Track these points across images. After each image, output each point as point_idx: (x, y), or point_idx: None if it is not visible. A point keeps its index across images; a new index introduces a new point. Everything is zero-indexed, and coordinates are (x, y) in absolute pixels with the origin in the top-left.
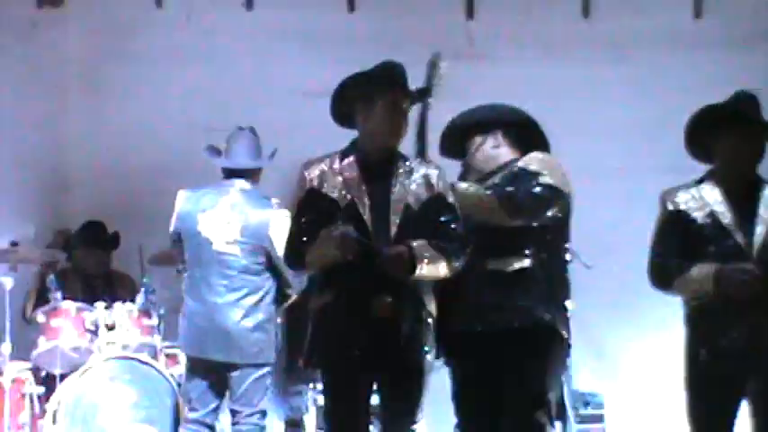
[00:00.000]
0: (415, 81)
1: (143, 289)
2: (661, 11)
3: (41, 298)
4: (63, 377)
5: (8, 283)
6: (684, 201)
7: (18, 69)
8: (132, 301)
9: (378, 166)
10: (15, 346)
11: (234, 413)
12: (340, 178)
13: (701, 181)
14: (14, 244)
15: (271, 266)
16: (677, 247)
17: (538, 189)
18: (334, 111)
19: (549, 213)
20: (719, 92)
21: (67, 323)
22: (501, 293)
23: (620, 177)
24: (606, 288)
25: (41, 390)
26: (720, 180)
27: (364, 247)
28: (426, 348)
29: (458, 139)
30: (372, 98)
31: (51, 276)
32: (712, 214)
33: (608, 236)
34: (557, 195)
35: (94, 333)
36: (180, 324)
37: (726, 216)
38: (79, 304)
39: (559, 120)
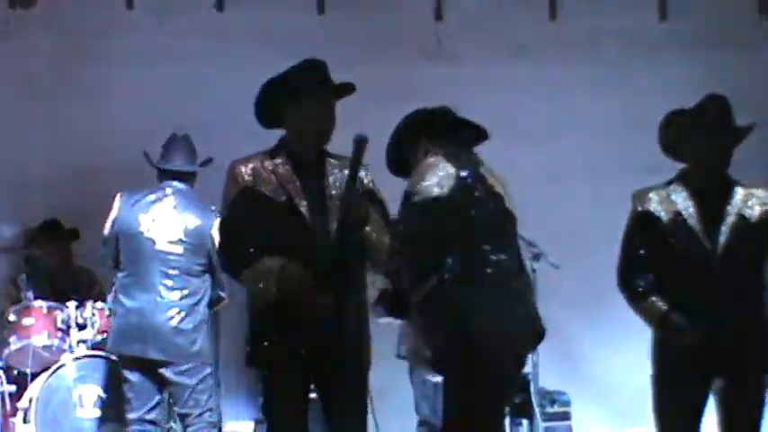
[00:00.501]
0: (380, 80)
1: (114, 288)
2: (627, 13)
3: (15, 298)
4: (34, 376)
5: None
6: (654, 202)
7: None
8: (102, 299)
9: (309, 162)
10: None
11: (184, 417)
12: (274, 176)
13: (671, 182)
14: None
15: (210, 269)
16: (645, 248)
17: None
18: (260, 112)
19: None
20: (684, 93)
21: (39, 322)
22: None
23: (588, 177)
24: (573, 288)
25: (13, 388)
26: (690, 181)
27: (305, 288)
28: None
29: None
30: (300, 97)
31: (23, 276)
32: (680, 215)
33: (576, 236)
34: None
35: (66, 332)
36: (112, 325)
37: (692, 218)
38: (51, 303)
39: (527, 120)
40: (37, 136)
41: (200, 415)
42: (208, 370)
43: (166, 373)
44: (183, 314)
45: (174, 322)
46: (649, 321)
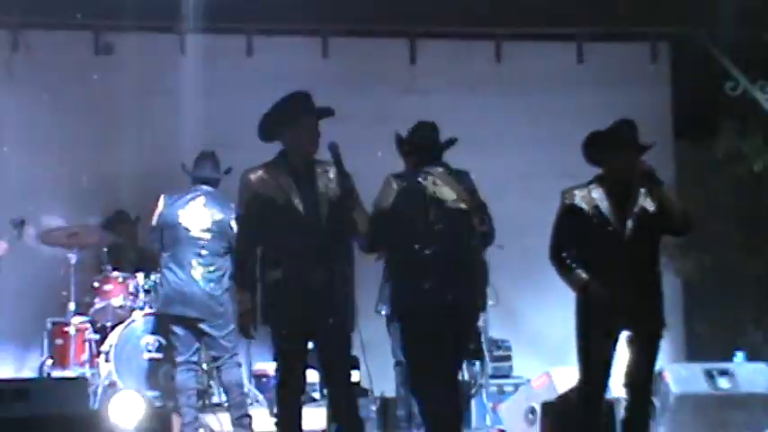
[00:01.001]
0: (369, 107)
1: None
2: (551, 57)
3: (99, 270)
4: (112, 327)
5: (72, 258)
6: (578, 197)
7: (77, 100)
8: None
9: (302, 168)
10: (78, 304)
11: (216, 359)
12: (275, 181)
13: (590, 182)
14: (77, 229)
15: (231, 250)
16: (570, 232)
17: None
18: (262, 130)
19: None
20: (596, 118)
21: (116, 288)
22: None
23: (526, 181)
24: (514, 262)
25: (97, 336)
26: (605, 182)
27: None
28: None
29: None
30: (292, 119)
31: (104, 253)
32: (597, 207)
33: (516, 224)
34: None
35: (136, 295)
36: (159, 292)
37: (606, 209)
38: (124, 273)
39: (478, 139)
40: (112, 150)
41: (230, 357)
42: (231, 326)
43: (202, 327)
44: (212, 284)
45: (206, 289)
46: (573, 287)
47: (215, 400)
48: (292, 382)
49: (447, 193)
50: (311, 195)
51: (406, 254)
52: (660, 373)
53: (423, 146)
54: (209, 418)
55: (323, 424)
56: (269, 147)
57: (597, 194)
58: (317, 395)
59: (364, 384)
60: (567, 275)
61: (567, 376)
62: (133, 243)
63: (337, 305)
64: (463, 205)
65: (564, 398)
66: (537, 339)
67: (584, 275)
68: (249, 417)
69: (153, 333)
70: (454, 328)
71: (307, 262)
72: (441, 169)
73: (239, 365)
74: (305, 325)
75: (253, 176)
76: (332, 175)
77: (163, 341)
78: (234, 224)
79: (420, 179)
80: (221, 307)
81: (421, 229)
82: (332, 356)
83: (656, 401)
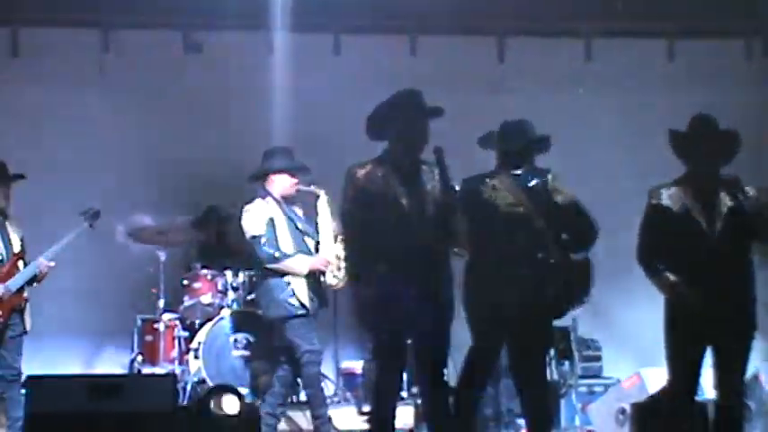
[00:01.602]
0: (457, 107)
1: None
2: (641, 54)
3: (187, 268)
4: (201, 325)
5: (162, 256)
6: (664, 196)
7: (166, 99)
8: (251, 269)
9: (407, 167)
10: (167, 302)
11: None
12: (381, 179)
13: (678, 181)
14: (166, 227)
15: None
16: (658, 232)
17: None
18: (371, 127)
19: None
20: (687, 117)
21: (205, 285)
22: None
23: (615, 180)
24: (604, 262)
25: (186, 333)
26: (693, 181)
27: None
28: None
29: None
30: (401, 118)
31: (193, 251)
32: (684, 207)
33: (606, 223)
34: None
35: (224, 293)
36: None
37: (694, 209)
38: (213, 271)
39: (567, 138)
40: (202, 149)
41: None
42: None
43: None
44: None
45: None
46: (661, 289)
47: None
48: (390, 381)
49: (503, 198)
50: (416, 194)
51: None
52: (755, 376)
53: (509, 149)
54: (295, 415)
55: (410, 422)
56: (355, 145)
57: (684, 193)
58: (404, 393)
59: (452, 383)
60: (655, 278)
61: (658, 377)
62: (223, 241)
63: (438, 304)
64: (521, 209)
65: (655, 399)
66: (627, 339)
67: (671, 278)
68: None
69: (241, 330)
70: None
71: (409, 260)
72: (504, 174)
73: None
74: (406, 323)
75: (359, 172)
76: (437, 176)
77: (251, 338)
78: None
79: (479, 184)
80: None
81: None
82: (429, 356)
83: (751, 404)
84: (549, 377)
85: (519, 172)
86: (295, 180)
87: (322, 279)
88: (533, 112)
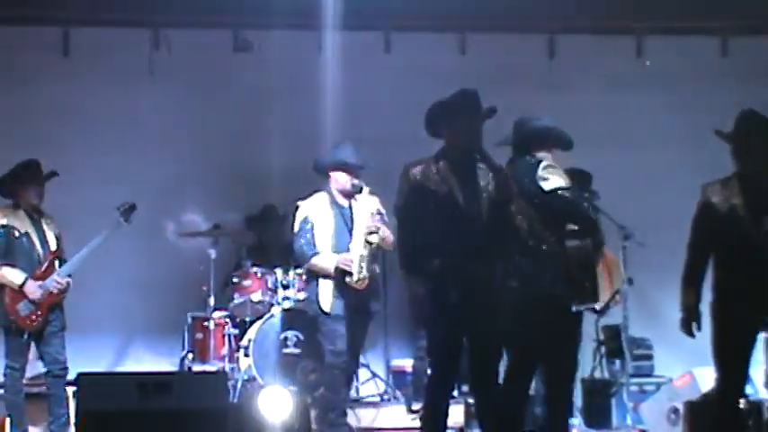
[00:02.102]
0: (507, 105)
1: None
2: (694, 51)
3: (237, 265)
4: (252, 323)
5: (212, 254)
6: (714, 193)
7: (216, 98)
8: (301, 266)
9: (465, 167)
10: (218, 299)
11: None
12: (437, 176)
13: (729, 178)
14: (217, 226)
15: None
16: (707, 230)
17: None
18: (428, 124)
19: None
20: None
21: (255, 283)
22: None
23: (666, 177)
24: (655, 260)
25: (236, 331)
26: (742, 179)
27: None
28: None
29: None
30: (458, 117)
31: (243, 249)
32: (732, 205)
33: (657, 220)
34: None
35: (274, 291)
36: None
37: (741, 207)
38: (263, 269)
39: (618, 135)
40: (252, 147)
41: None
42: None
43: None
44: None
45: None
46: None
47: (353, 395)
48: (445, 380)
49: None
50: (472, 192)
51: None
52: None
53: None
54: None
55: (460, 420)
56: (405, 143)
57: (733, 191)
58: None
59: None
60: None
61: (710, 376)
62: (277, 239)
63: (492, 302)
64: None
65: (707, 397)
66: (679, 337)
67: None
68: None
69: (291, 328)
70: None
71: (465, 257)
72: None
73: None
74: (460, 321)
75: (414, 169)
76: (491, 173)
77: (301, 336)
78: None
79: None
80: None
81: None
82: (484, 355)
83: None
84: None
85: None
86: (351, 176)
87: (347, 279)
88: (584, 109)
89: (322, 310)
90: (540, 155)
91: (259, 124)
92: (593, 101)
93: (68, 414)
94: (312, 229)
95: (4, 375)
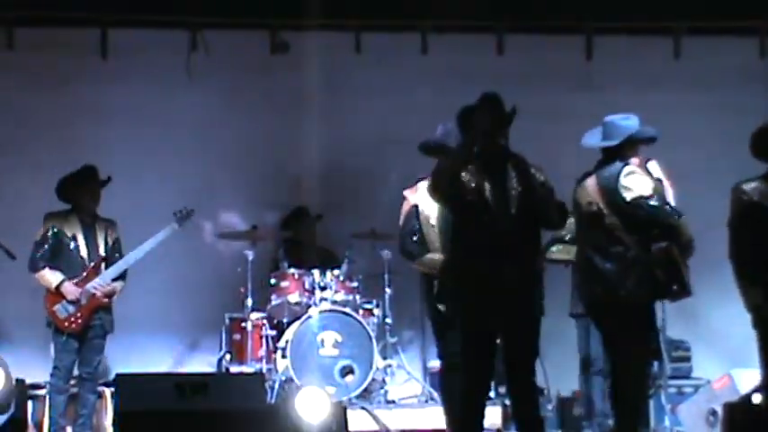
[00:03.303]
0: (545, 105)
1: (346, 259)
2: (732, 51)
3: (275, 267)
4: (289, 324)
5: (250, 255)
6: (755, 193)
7: (253, 99)
8: (338, 268)
9: (489, 165)
10: (255, 301)
11: None
12: (466, 176)
13: (758, 179)
14: (254, 227)
15: None
16: (751, 235)
17: None
18: (459, 125)
19: None
20: None
21: (292, 284)
22: None
23: (704, 178)
24: (695, 261)
25: (274, 333)
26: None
27: None
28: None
29: None
30: (485, 119)
31: (280, 250)
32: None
33: (696, 221)
34: None
35: (311, 292)
36: None
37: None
38: (300, 270)
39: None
40: (289, 148)
41: None
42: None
43: None
44: None
45: None
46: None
47: (390, 396)
48: (478, 381)
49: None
50: (502, 191)
51: None
52: None
53: None
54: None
55: (496, 422)
56: None
57: (760, 191)
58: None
59: (540, 383)
60: (742, 286)
61: (749, 377)
62: (312, 240)
63: (526, 303)
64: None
65: (747, 400)
66: (718, 339)
67: (759, 297)
68: None
69: (328, 329)
70: None
71: (496, 257)
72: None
73: None
74: (493, 323)
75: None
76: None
77: (339, 337)
78: None
79: None
80: None
81: None
82: (518, 356)
83: None
84: None
85: None
86: None
87: None
88: (621, 110)
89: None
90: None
91: (296, 124)
92: (629, 101)
93: (89, 416)
94: (419, 223)
95: (51, 374)
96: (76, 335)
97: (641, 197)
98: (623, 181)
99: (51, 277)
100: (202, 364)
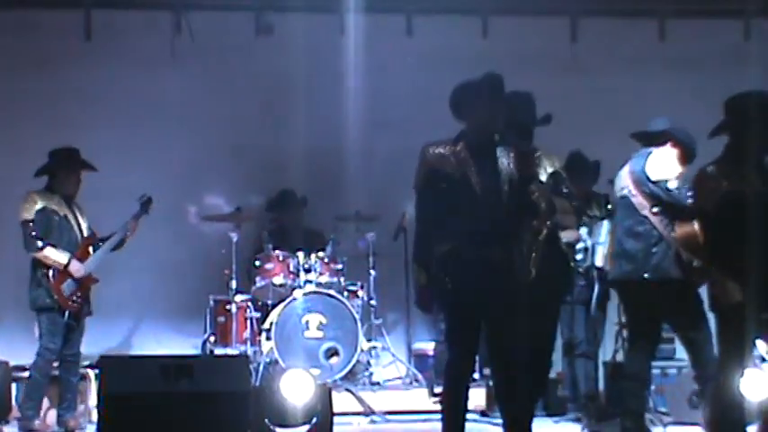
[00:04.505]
0: (529, 88)
1: (330, 241)
2: (716, 34)
3: (259, 249)
4: (274, 306)
5: (234, 237)
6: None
7: (237, 81)
8: (323, 250)
9: (484, 150)
10: (240, 283)
11: None
12: (453, 158)
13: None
14: (239, 209)
15: None
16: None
17: None
18: (452, 107)
19: None
20: None
21: (276, 267)
22: None
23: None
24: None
25: (258, 315)
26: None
27: None
28: None
29: None
30: (479, 100)
31: (265, 232)
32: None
33: None
34: None
35: (296, 274)
36: None
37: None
38: (285, 253)
39: (638, 118)
40: (274, 130)
41: None
42: None
43: None
44: None
45: None
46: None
47: (375, 378)
48: (462, 363)
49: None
50: (491, 175)
51: None
52: None
53: None
54: (367, 396)
55: (482, 403)
56: (428, 126)
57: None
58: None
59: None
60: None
61: None
62: (298, 223)
63: (510, 284)
64: None
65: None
66: None
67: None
68: None
69: (313, 312)
70: None
71: (483, 240)
72: None
73: None
74: (477, 305)
75: (432, 151)
76: (513, 156)
77: (323, 319)
78: None
79: None
80: None
81: None
82: (503, 339)
83: None
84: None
85: None
86: None
87: None
88: (606, 92)
89: None
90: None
91: (280, 107)
92: (615, 84)
93: (74, 399)
94: None
95: (38, 355)
96: (74, 315)
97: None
98: (649, 163)
99: (58, 256)
100: (187, 346)
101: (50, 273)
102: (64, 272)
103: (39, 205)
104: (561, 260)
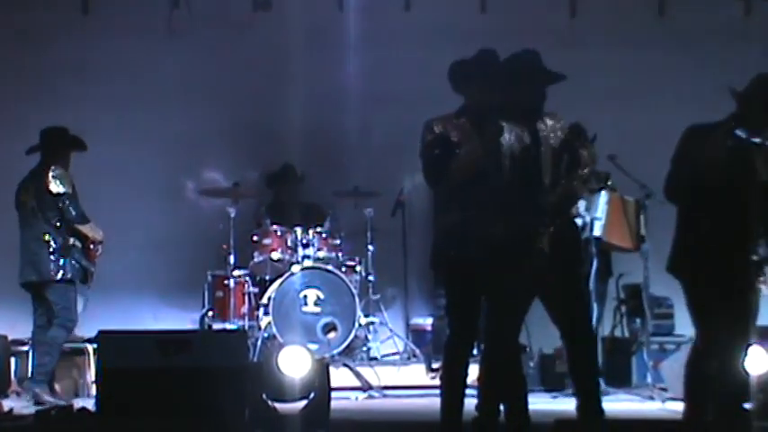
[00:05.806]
0: None
1: (329, 216)
2: (716, 9)
3: (257, 224)
4: (272, 281)
5: (232, 212)
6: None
7: (235, 56)
8: (321, 225)
9: (483, 123)
10: (238, 258)
11: None
12: (457, 131)
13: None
14: (236, 184)
15: None
16: None
17: None
18: (451, 80)
19: None
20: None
21: (275, 242)
22: None
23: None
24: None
25: (256, 290)
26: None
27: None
28: None
29: None
30: (475, 76)
31: (263, 208)
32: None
33: None
34: None
35: (294, 249)
36: None
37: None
38: (283, 228)
39: (638, 93)
40: (271, 105)
41: None
42: None
43: None
44: None
45: None
46: None
47: (373, 353)
48: (462, 337)
49: None
50: (492, 149)
51: None
52: None
53: None
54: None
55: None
56: (426, 100)
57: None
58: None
59: (523, 341)
60: None
61: None
62: (296, 198)
63: (516, 261)
64: None
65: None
66: None
67: None
68: None
69: (311, 287)
70: None
71: (485, 214)
72: None
73: None
74: (479, 280)
75: (437, 124)
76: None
77: (321, 295)
78: None
79: None
80: None
81: None
82: (502, 314)
83: None
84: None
85: None
86: None
87: None
88: (605, 67)
89: None
90: None
91: (278, 82)
92: (614, 59)
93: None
94: None
95: (62, 327)
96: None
97: None
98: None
99: (95, 231)
100: (185, 321)
101: (81, 245)
102: (98, 245)
103: (70, 178)
104: (574, 233)
